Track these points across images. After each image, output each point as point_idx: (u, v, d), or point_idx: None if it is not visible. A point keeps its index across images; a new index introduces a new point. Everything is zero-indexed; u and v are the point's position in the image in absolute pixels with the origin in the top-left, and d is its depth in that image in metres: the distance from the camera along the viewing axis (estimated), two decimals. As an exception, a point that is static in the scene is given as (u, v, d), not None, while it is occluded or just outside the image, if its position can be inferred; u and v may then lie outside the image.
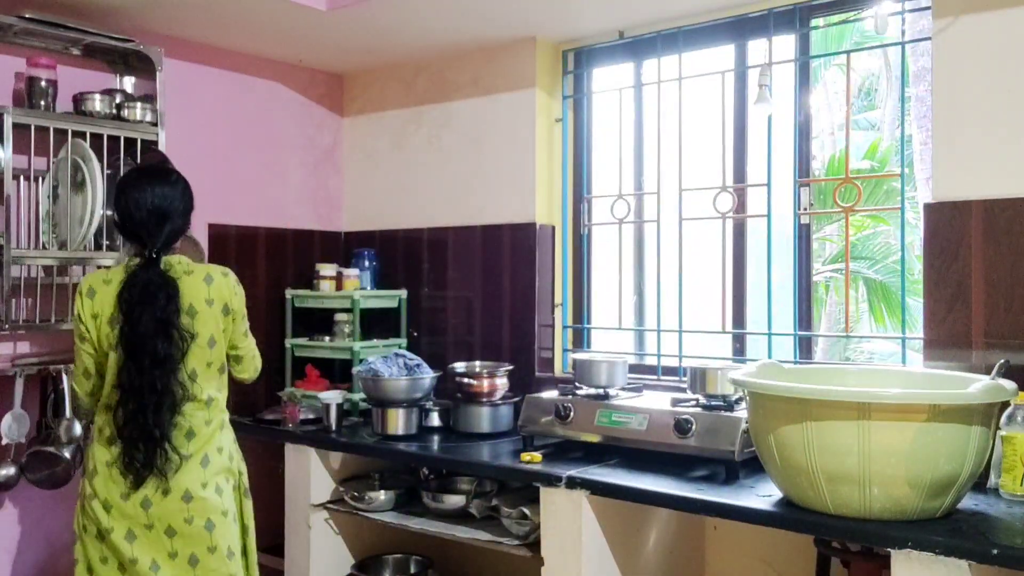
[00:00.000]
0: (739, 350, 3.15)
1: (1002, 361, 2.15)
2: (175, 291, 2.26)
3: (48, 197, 2.93)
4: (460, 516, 2.96)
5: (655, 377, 3.20)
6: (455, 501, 3.00)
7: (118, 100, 3.05)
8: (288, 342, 3.67)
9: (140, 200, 2.27)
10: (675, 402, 2.68)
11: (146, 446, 2.21)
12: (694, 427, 2.50)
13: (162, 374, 2.22)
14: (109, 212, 2.63)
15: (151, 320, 2.21)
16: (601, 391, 2.85)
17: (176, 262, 2.34)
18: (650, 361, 3.32)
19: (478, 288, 3.60)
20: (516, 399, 3.14)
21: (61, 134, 2.86)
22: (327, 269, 3.70)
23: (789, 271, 3.02)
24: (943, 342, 2.51)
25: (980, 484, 2.18)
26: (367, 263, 3.78)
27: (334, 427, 3.22)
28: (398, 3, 3.05)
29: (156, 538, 2.26)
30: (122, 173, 2.97)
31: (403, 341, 3.70)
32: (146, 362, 2.21)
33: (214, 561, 2.29)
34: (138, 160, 3.02)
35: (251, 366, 2.55)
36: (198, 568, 2.28)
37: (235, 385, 3.59)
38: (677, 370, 3.17)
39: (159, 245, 2.28)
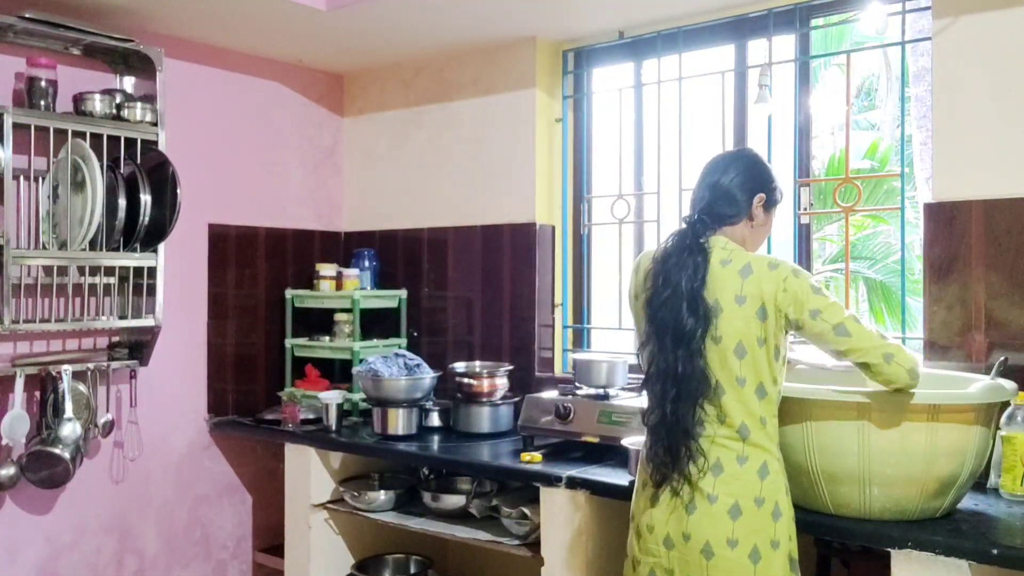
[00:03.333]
0: (739, 350, 3.14)
1: (1002, 359, 2.15)
2: (703, 260, 1.90)
3: (48, 197, 2.93)
4: (460, 516, 2.96)
5: (655, 377, 3.20)
6: (455, 501, 2.99)
7: (118, 100, 3.05)
8: (288, 342, 3.67)
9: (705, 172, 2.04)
10: (675, 402, 2.68)
11: (669, 438, 1.87)
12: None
13: (685, 355, 1.86)
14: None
15: (670, 285, 1.89)
16: (601, 391, 2.85)
17: (718, 245, 1.96)
18: (650, 361, 3.31)
19: (478, 288, 3.60)
20: (516, 399, 3.14)
21: (61, 134, 2.86)
22: (327, 269, 3.70)
23: (789, 271, 3.01)
24: (943, 342, 2.51)
25: (980, 484, 2.18)
26: (367, 263, 3.78)
27: (334, 427, 3.22)
28: (398, 3, 3.05)
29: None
30: (123, 173, 2.98)
31: (403, 341, 3.70)
32: (667, 339, 1.88)
33: None
34: (138, 160, 3.02)
35: (888, 368, 1.86)
36: None
37: (244, 385, 3.63)
38: (677, 370, 3.16)
39: (696, 220, 1.97)
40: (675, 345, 1.89)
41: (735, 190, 2.01)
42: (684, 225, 2.01)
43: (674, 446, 1.88)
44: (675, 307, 1.89)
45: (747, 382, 1.88)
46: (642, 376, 2.01)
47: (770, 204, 2.05)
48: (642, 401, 2.75)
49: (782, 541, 1.87)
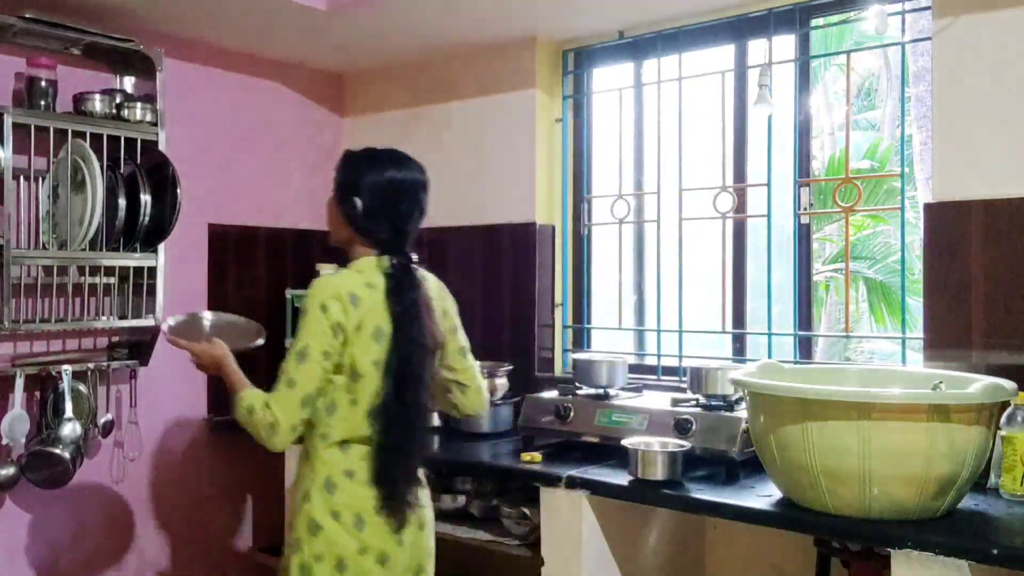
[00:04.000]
0: (739, 350, 3.14)
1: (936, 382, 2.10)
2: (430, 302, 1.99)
3: (48, 197, 2.93)
4: (460, 516, 2.96)
5: (655, 377, 3.20)
6: (455, 501, 2.99)
7: (118, 100, 3.05)
8: (288, 342, 3.66)
9: (417, 188, 2.05)
10: (675, 402, 2.68)
11: (410, 483, 1.97)
12: (694, 427, 2.50)
13: (425, 397, 1.96)
14: (356, 198, 2.05)
15: (425, 334, 1.94)
16: (601, 391, 2.85)
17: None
18: (650, 361, 3.32)
19: (478, 288, 3.60)
20: (516, 399, 3.14)
21: (61, 134, 2.86)
22: (327, 269, 3.69)
23: (789, 271, 3.02)
24: (943, 342, 2.51)
25: (980, 484, 2.17)
26: (367, 263, 3.77)
27: (334, 427, 3.22)
28: (398, 3, 3.05)
29: None
30: (123, 173, 2.98)
31: (403, 341, 3.69)
32: (418, 386, 1.93)
33: None
34: (138, 160, 3.02)
35: (479, 398, 2.15)
36: None
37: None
38: (677, 370, 3.17)
39: (409, 244, 2.02)
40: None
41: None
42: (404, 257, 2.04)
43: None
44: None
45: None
46: (642, 376, 2.04)
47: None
48: (643, 401, 2.77)
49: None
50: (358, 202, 1.99)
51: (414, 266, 2.00)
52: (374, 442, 1.91)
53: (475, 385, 2.14)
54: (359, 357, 1.90)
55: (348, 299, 1.89)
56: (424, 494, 2.08)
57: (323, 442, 1.95)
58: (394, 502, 1.92)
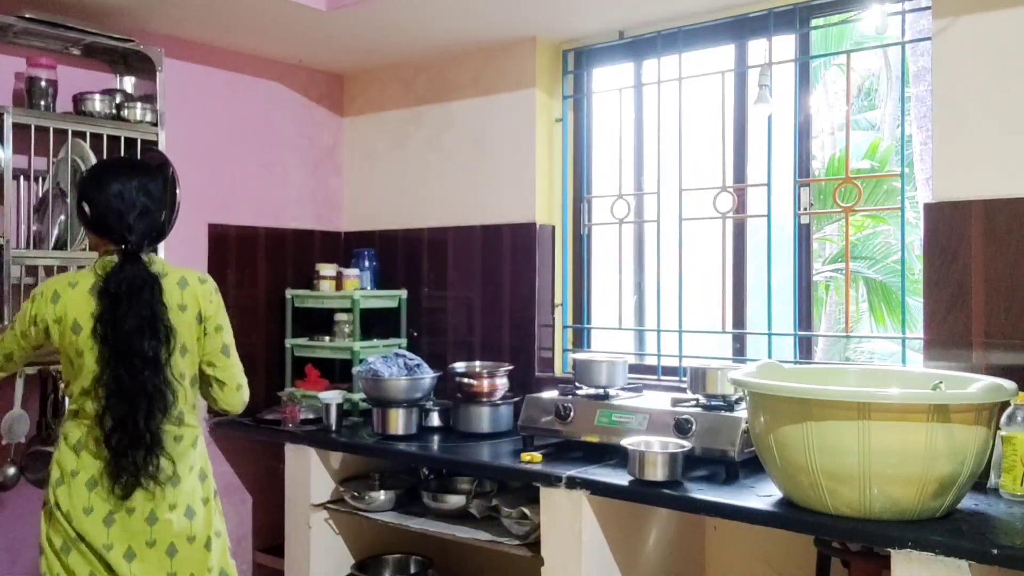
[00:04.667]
0: (739, 350, 3.15)
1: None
2: (160, 287, 2.13)
3: (49, 197, 2.92)
4: (460, 516, 2.96)
5: (655, 377, 3.20)
6: (455, 501, 3.00)
7: (118, 100, 3.05)
8: (288, 342, 3.67)
9: (124, 191, 2.15)
10: (675, 402, 2.68)
11: (135, 454, 2.07)
12: (694, 427, 2.50)
13: (152, 375, 2.08)
14: (84, 204, 2.21)
15: (137, 317, 2.07)
16: (601, 391, 2.85)
17: (152, 262, 2.19)
18: (650, 361, 3.32)
19: (478, 288, 3.60)
20: (516, 399, 3.14)
21: (61, 134, 2.86)
22: (327, 269, 3.70)
23: (789, 271, 3.02)
24: (943, 342, 2.51)
25: (980, 484, 2.18)
26: (367, 263, 3.78)
27: (334, 427, 3.22)
28: (398, 3, 3.05)
29: (158, 557, 2.12)
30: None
31: (403, 341, 3.70)
32: (136, 363, 2.07)
33: None
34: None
35: (235, 396, 2.30)
36: None
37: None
38: (677, 370, 3.17)
39: (139, 240, 2.14)
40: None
41: (167, 212, 2.38)
42: (126, 256, 2.17)
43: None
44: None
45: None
46: (642, 376, 2.05)
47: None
48: (643, 401, 2.77)
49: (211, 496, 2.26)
50: (86, 207, 2.19)
51: (141, 264, 2.15)
52: (95, 414, 2.11)
53: (233, 384, 2.29)
54: (66, 346, 2.13)
55: (51, 296, 2.14)
56: (189, 476, 2.19)
57: (69, 417, 2.20)
58: (116, 469, 2.08)
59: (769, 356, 2.93)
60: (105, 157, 2.94)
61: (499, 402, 3.16)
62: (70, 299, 2.13)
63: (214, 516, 2.24)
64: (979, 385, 2.02)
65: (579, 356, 3.10)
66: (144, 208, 2.17)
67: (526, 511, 2.70)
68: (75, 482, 2.10)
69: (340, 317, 3.59)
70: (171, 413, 2.13)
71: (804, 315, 3.01)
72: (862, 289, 7.76)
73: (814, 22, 3.02)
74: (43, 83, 2.89)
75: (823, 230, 7.46)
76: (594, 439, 2.71)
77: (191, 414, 2.23)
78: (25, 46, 2.96)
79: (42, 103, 2.88)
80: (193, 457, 2.22)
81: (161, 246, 3.06)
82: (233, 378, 2.29)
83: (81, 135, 2.88)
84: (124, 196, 2.15)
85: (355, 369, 3.33)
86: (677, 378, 3.13)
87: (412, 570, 3.33)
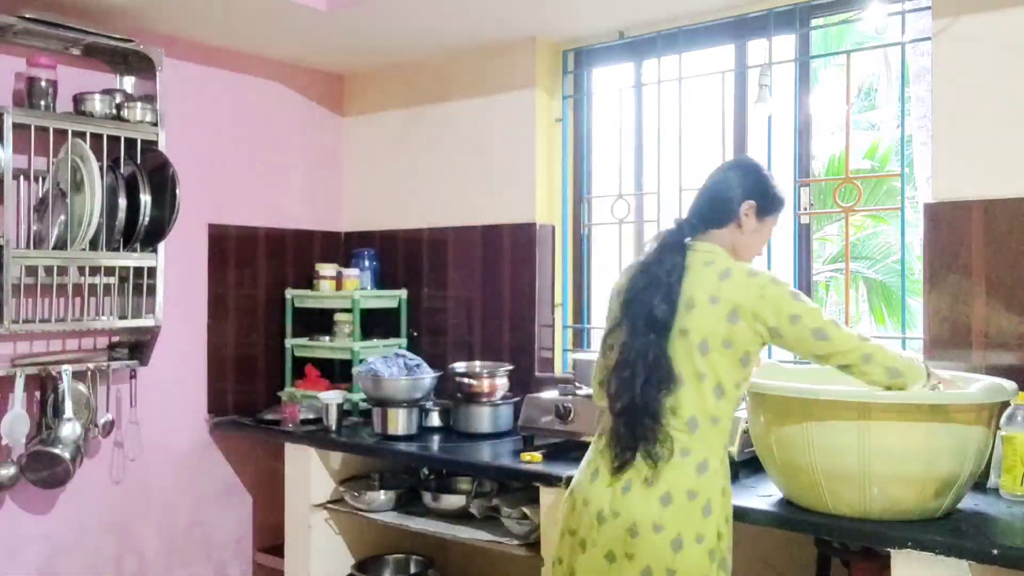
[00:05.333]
0: (739, 350, 3.14)
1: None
2: (682, 259, 1.95)
3: (49, 197, 2.93)
4: (460, 516, 2.96)
5: (655, 377, 3.19)
6: (455, 501, 2.99)
7: (118, 100, 3.05)
8: (288, 342, 3.67)
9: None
10: (675, 402, 2.68)
11: (635, 422, 1.89)
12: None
13: (656, 340, 1.89)
14: None
15: (649, 277, 1.94)
16: (601, 391, 2.85)
17: (703, 248, 1.99)
18: (650, 361, 3.31)
19: (478, 288, 3.60)
20: (516, 399, 3.14)
21: (61, 134, 2.86)
22: (327, 269, 3.70)
23: (789, 271, 3.02)
24: (943, 342, 2.51)
25: (980, 484, 2.18)
26: (367, 263, 3.78)
27: (334, 427, 3.22)
28: (398, 3, 3.05)
29: (595, 560, 1.93)
30: (123, 173, 2.99)
31: (403, 341, 3.70)
32: (640, 324, 1.92)
33: None
34: (138, 160, 3.02)
35: (871, 366, 1.89)
36: None
37: (244, 385, 3.63)
38: (677, 370, 3.16)
39: (684, 220, 2.04)
40: (646, 331, 1.92)
41: (724, 195, 2.04)
42: (673, 226, 2.05)
43: (640, 430, 1.90)
44: (649, 297, 1.93)
45: (707, 378, 1.90)
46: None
47: (762, 212, 2.05)
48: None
49: (707, 537, 1.87)
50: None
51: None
52: None
53: (850, 352, 1.94)
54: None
55: None
56: (646, 501, 1.91)
57: None
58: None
59: (769, 356, 2.93)
60: (105, 157, 2.95)
61: (499, 402, 3.16)
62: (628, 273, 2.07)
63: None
64: (979, 385, 2.02)
65: (579, 356, 3.10)
66: (702, 193, 2.09)
67: (526, 511, 2.70)
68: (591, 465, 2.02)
69: (340, 317, 3.59)
70: (667, 401, 1.91)
71: (804, 315, 3.00)
72: (862, 289, 7.77)
73: (814, 22, 3.02)
74: (43, 83, 2.89)
75: (823, 230, 7.46)
76: (594, 439, 2.70)
77: (708, 429, 1.91)
78: (25, 46, 2.96)
79: (42, 103, 2.88)
80: (699, 482, 1.89)
81: (161, 246, 3.07)
82: (845, 355, 1.91)
83: (81, 135, 2.88)
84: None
85: (355, 369, 3.33)
86: (677, 378, 3.12)
87: (412, 570, 3.33)
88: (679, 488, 1.87)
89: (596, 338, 3.52)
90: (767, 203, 2.05)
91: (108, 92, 3.05)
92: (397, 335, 3.71)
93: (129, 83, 3.22)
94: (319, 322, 3.71)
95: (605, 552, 1.91)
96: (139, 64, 3.16)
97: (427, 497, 3.04)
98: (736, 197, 2.03)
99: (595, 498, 1.95)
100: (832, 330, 1.89)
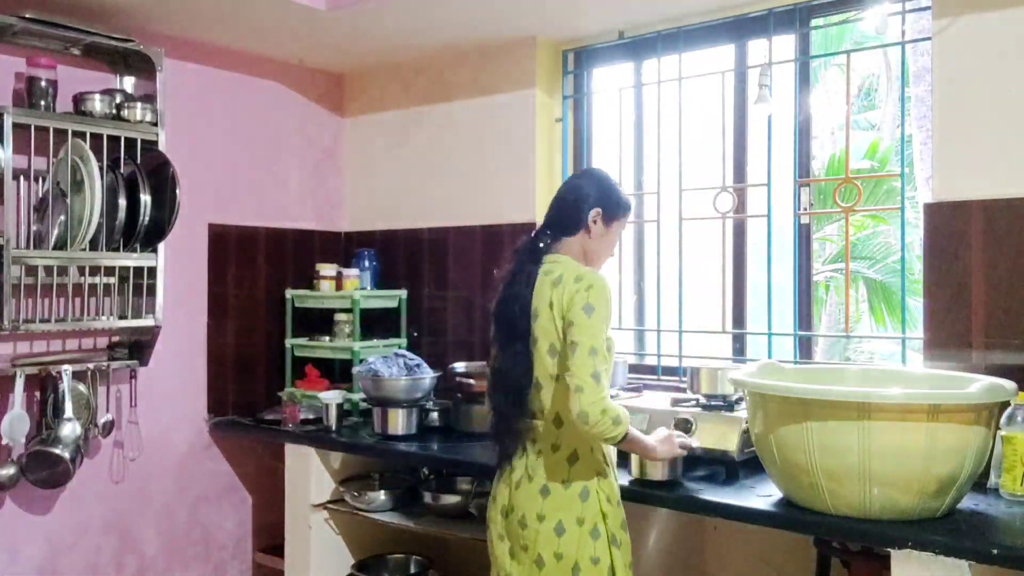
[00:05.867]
0: (739, 350, 3.14)
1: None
2: (535, 268, 2.10)
3: (49, 197, 2.93)
4: (460, 516, 2.96)
5: (655, 377, 3.20)
6: (455, 501, 2.99)
7: (118, 100, 3.05)
8: (288, 342, 3.67)
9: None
10: (675, 402, 2.68)
11: (501, 426, 2.15)
12: (694, 427, 2.50)
13: (520, 348, 2.08)
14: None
15: (510, 289, 2.12)
16: (601, 391, 2.84)
17: (549, 259, 2.12)
18: (650, 361, 3.32)
19: (478, 288, 3.60)
20: (516, 399, 3.14)
21: (61, 134, 2.86)
22: (327, 269, 3.70)
23: (789, 271, 3.02)
24: (943, 342, 2.51)
25: (980, 484, 2.17)
26: (367, 263, 3.78)
27: (334, 427, 3.22)
28: (398, 3, 3.05)
29: (504, 555, 2.17)
30: (123, 173, 2.99)
31: (403, 341, 3.70)
32: (505, 334, 2.13)
33: None
34: (138, 160, 3.02)
35: (576, 399, 1.94)
36: None
37: (244, 385, 3.63)
38: (677, 370, 3.17)
39: (539, 230, 2.18)
40: (511, 342, 2.12)
41: (573, 203, 2.17)
42: (528, 236, 2.22)
43: (501, 432, 2.15)
44: (510, 310, 2.12)
45: (562, 379, 2.03)
46: (642, 376, 2.08)
47: (609, 218, 2.18)
48: (643, 401, 2.77)
49: (587, 518, 2.05)
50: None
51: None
52: None
53: (573, 383, 2.03)
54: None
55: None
56: (533, 462, 2.13)
57: None
58: None
59: (769, 356, 2.93)
60: (105, 157, 2.95)
61: (499, 402, 3.16)
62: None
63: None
64: (979, 385, 2.02)
65: (579, 356, 3.10)
66: (554, 203, 2.21)
67: (526, 511, 2.69)
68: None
69: (340, 317, 3.59)
70: (535, 404, 2.11)
71: (804, 315, 3.01)
72: (862, 289, 7.76)
73: (814, 22, 3.02)
74: (43, 83, 2.89)
75: (823, 230, 7.45)
76: (594, 439, 2.71)
77: (571, 424, 2.03)
78: (25, 46, 2.96)
79: (42, 103, 2.88)
80: (572, 471, 2.07)
81: (161, 246, 3.07)
82: (572, 376, 1.97)
83: (81, 135, 2.88)
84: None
85: (355, 369, 3.33)
86: (677, 378, 3.13)
87: (412, 570, 3.33)
88: (555, 479, 2.07)
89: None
90: (613, 209, 2.19)
91: (108, 92, 3.05)
92: (397, 335, 3.72)
93: (129, 83, 3.23)
94: (319, 322, 3.71)
95: (509, 547, 2.14)
96: (139, 64, 3.16)
97: (427, 497, 3.04)
98: (584, 205, 2.16)
99: (499, 495, 2.19)
100: (580, 352, 1.96)
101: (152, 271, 3.08)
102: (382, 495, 3.09)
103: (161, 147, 3.08)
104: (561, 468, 2.07)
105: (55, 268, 2.91)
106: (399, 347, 3.59)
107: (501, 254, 3.50)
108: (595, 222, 2.15)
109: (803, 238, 3.01)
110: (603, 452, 2.12)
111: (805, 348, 3.03)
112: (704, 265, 3.49)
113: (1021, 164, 2.40)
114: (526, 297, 2.09)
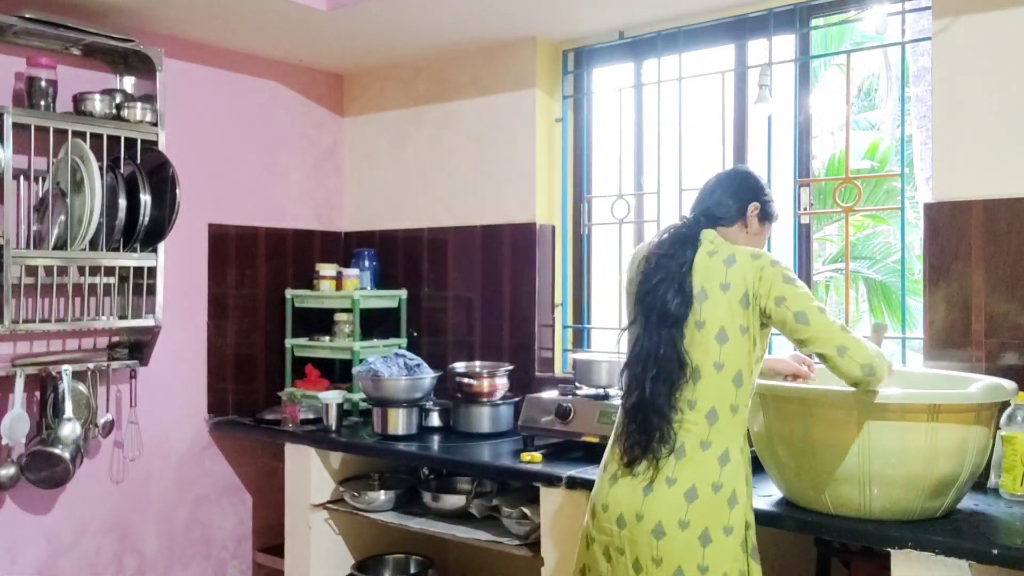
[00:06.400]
0: (739, 350, 3.14)
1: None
2: (692, 252, 1.96)
3: (49, 197, 2.93)
4: (460, 516, 2.96)
5: (655, 377, 3.19)
6: (455, 501, 2.99)
7: (118, 100, 3.05)
8: (288, 342, 3.67)
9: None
10: (675, 402, 2.68)
11: (645, 419, 1.90)
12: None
13: (667, 337, 1.90)
14: None
15: (661, 271, 1.95)
16: (601, 391, 2.85)
17: (706, 238, 2.00)
18: (650, 361, 3.31)
19: (478, 288, 3.60)
20: (516, 399, 3.14)
21: (61, 134, 2.86)
22: (327, 269, 3.70)
23: (789, 271, 3.02)
24: (943, 342, 2.51)
25: (980, 484, 2.18)
26: (367, 263, 3.78)
27: (334, 427, 3.22)
28: (398, 3, 3.05)
29: (623, 568, 1.92)
30: (123, 173, 2.99)
31: (403, 341, 3.70)
32: (654, 319, 1.93)
33: None
34: (138, 160, 3.02)
35: (847, 360, 1.85)
36: None
37: (244, 385, 3.64)
38: (677, 370, 3.16)
39: (691, 219, 2.05)
40: (659, 326, 1.93)
41: (729, 197, 2.08)
42: (685, 219, 2.09)
43: (649, 427, 1.92)
44: (663, 291, 1.94)
45: (725, 368, 1.91)
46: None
47: (764, 216, 2.11)
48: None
49: (736, 527, 1.87)
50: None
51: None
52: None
53: (828, 340, 1.92)
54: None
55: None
56: (672, 463, 1.93)
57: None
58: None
59: (769, 352, 2.93)
60: (105, 157, 2.95)
61: (499, 402, 3.16)
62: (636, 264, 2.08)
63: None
64: (979, 385, 2.02)
65: (579, 356, 3.10)
66: (708, 188, 2.12)
67: (526, 511, 2.70)
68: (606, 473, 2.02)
69: (340, 317, 3.59)
70: (684, 395, 1.92)
71: (804, 315, 3.00)
72: (862, 289, 7.76)
73: (814, 22, 3.02)
74: (43, 83, 2.89)
75: (823, 230, 7.46)
76: (594, 439, 2.71)
77: (728, 420, 1.92)
78: (25, 46, 2.96)
79: (42, 103, 2.88)
80: (723, 473, 1.90)
81: (161, 246, 3.07)
82: (822, 344, 1.87)
83: (81, 135, 2.88)
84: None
85: (355, 369, 3.33)
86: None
87: (412, 570, 3.33)
88: (704, 482, 1.87)
89: (596, 338, 3.52)
90: (768, 207, 2.12)
91: (108, 92, 3.05)
92: (397, 335, 3.71)
93: (129, 83, 3.22)
94: (319, 322, 3.71)
95: (632, 560, 1.90)
96: (139, 64, 3.16)
97: (427, 497, 3.04)
98: (740, 198, 2.07)
99: (614, 502, 1.95)
100: (814, 316, 1.88)
101: (152, 271, 3.08)
102: (382, 495, 3.09)
103: (161, 147, 3.08)
104: (712, 470, 1.88)
105: (55, 268, 2.91)
106: (399, 347, 3.59)
107: (501, 254, 3.51)
108: (753, 216, 2.07)
109: (803, 238, 3.02)
110: (749, 454, 1.96)
111: (805, 348, 3.03)
112: (704, 265, 3.47)
113: (1021, 164, 2.40)
114: (683, 279, 1.93)
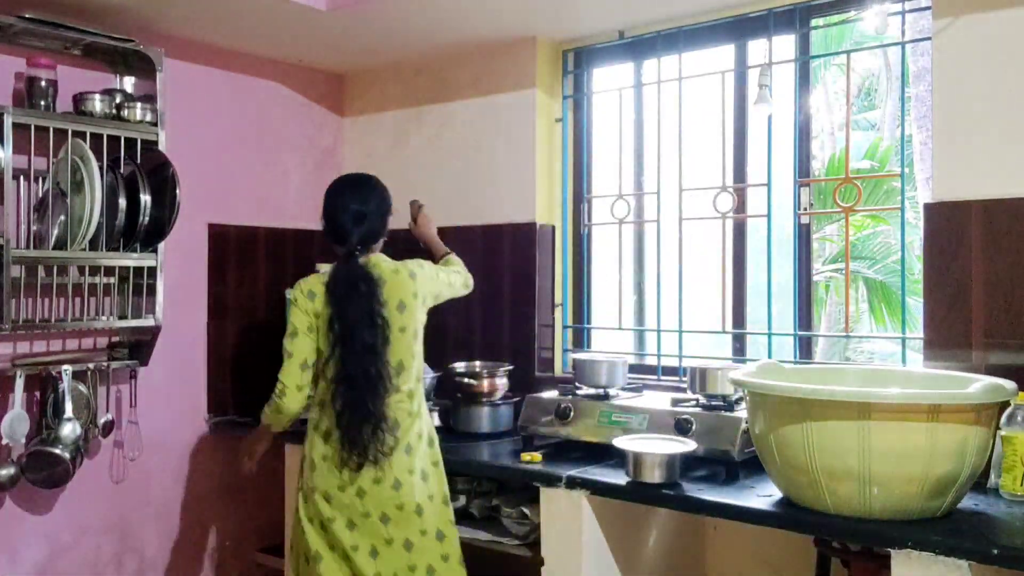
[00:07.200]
0: (739, 350, 3.14)
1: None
2: (375, 284, 2.42)
3: (49, 197, 2.92)
4: (460, 516, 2.95)
5: (655, 377, 3.20)
6: (455, 501, 2.99)
7: (118, 100, 3.05)
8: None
9: (341, 204, 2.52)
10: (675, 402, 2.68)
11: (363, 431, 2.34)
12: (694, 427, 2.50)
13: (372, 361, 2.37)
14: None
15: (356, 309, 2.38)
16: (601, 391, 2.85)
17: (379, 260, 2.50)
18: (650, 361, 3.32)
19: (478, 288, 3.58)
20: (516, 399, 3.14)
21: (61, 134, 2.85)
22: (326, 269, 3.69)
23: (789, 271, 3.02)
24: (943, 342, 2.51)
25: (980, 484, 2.18)
26: (367, 263, 3.77)
27: (334, 427, 3.22)
28: (398, 3, 3.05)
29: (373, 526, 2.40)
30: (123, 173, 2.99)
31: (403, 341, 3.69)
32: (357, 348, 2.36)
33: (427, 543, 2.45)
34: (138, 160, 3.02)
35: (460, 282, 2.78)
36: (413, 552, 2.43)
37: (244, 385, 3.63)
38: (677, 370, 3.17)
39: (356, 244, 2.47)
40: (364, 350, 2.38)
41: (378, 217, 2.56)
42: (344, 257, 2.49)
43: (372, 432, 2.43)
44: (357, 314, 2.41)
45: (416, 358, 2.54)
46: (642, 376, 2.12)
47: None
48: (643, 401, 2.77)
49: (446, 492, 2.56)
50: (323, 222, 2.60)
51: (356, 263, 2.47)
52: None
53: (455, 283, 2.83)
54: (320, 339, 2.47)
55: (307, 293, 2.50)
56: (398, 462, 2.44)
57: (316, 406, 2.57)
58: (347, 446, 2.40)
59: (769, 356, 2.93)
60: (105, 157, 2.95)
61: (499, 402, 3.16)
62: (322, 297, 2.45)
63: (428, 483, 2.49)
64: (979, 385, 2.02)
65: (579, 356, 3.11)
66: (359, 216, 2.49)
67: (526, 511, 2.70)
68: (328, 465, 2.42)
69: (340, 317, 3.58)
70: (388, 400, 2.41)
71: (804, 315, 3.01)
72: (862, 289, 7.76)
73: (814, 22, 3.01)
74: (43, 83, 2.88)
75: (823, 230, 7.45)
76: (594, 439, 2.71)
77: (420, 388, 2.53)
78: (25, 46, 2.96)
79: (42, 103, 2.88)
80: (421, 425, 2.50)
81: (161, 246, 3.07)
82: (452, 279, 2.78)
83: (81, 135, 2.88)
84: (342, 207, 2.53)
85: (355, 369, 3.33)
86: (677, 378, 3.13)
87: (412, 570, 3.32)
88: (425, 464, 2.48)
89: (597, 338, 3.52)
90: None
91: (108, 92, 3.05)
92: (397, 335, 3.71)
93: (129, 83, 3.22)
94: (319, 322, 3.70)
95: (379, 516, 2.42)
96: (139, 64, 3.16)
97: (427, 497, 3.03)
98: (384, 215, 2.59)
99: (348, 489, 2.42)
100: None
101: (152, 271, 3.08)
102: (382, 495, 3.08)
103: (161, 147, 3.08)
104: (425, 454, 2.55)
105: (55, 268, 2.91)
106: (399, 347, 3.58)
107: (501, 254, 3.51)
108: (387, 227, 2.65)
109: (803, 238, 3.01)
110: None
111: (805, 348, 3.03)
112: (704, 265, 3.49)
113: (1021, 164, 2.40)
114: (376, 298, 2.46)
